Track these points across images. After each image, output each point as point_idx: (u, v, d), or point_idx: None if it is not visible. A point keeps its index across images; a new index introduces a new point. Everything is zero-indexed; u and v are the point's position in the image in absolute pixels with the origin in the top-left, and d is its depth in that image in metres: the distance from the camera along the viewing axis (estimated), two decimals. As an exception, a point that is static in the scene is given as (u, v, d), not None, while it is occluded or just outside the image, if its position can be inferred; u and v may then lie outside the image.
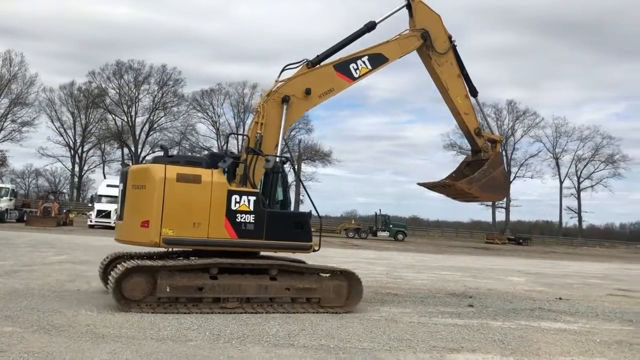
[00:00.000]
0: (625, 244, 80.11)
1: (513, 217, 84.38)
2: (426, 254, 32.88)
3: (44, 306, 8.73)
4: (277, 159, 9.93)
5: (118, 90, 76.01)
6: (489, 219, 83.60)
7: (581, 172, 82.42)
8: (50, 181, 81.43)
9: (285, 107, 10.13)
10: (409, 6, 11.67)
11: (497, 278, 18.90)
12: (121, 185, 9.69)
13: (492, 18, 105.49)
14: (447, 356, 7.09)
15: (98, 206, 39.27)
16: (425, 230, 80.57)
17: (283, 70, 10.60)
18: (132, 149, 76.10)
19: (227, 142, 10.49)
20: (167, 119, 77.80)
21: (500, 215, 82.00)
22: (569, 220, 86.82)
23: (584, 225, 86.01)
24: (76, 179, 79.59)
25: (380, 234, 54.33)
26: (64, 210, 43.56)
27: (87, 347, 6.43)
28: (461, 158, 67.00)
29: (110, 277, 8.75)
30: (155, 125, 77.25)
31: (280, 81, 10.41)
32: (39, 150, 74.26)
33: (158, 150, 77.20)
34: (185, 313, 8.59)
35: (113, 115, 76.69)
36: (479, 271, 21.64)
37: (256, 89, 78.56)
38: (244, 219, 9.21)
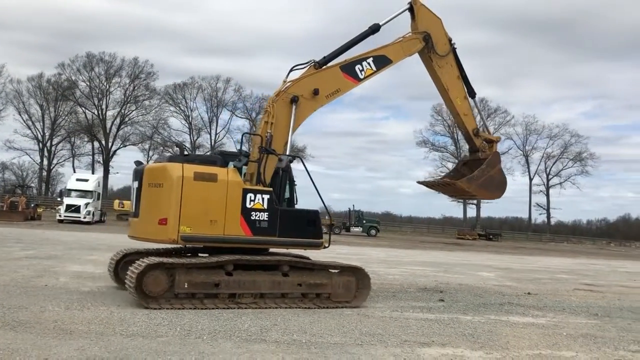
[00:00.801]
0: (592, 240, 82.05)
1: (484, 214, 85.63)
2: (398, 249, 33.13)
3: (10, 302, 8.53)
4: (289, 158, 10.18)
5: (88, 83, 74.46)
6: (460, 215, 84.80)
7: (550, 170, 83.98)
8: (18, 175, 79.42)
9: (294, 107, 10.34)
10: (411, 9, 11.95)
11: (468, 273, 19.16)
12: (135, 183, 9.80)
13: (464, 17, 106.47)
14: (418, 350, 7.15)
15: (67, 200, 38.54)
16: (398, 226, 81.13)
17: (291, 70, 10.85)
18: (103, 142, 74.79)
19: (241, 142, 10.64)
20: (139, 112, 76.57)
21: (471, 212, 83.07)
22: (538, 217, 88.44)
23: (553, 221, 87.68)
24: (45, 173, 77.95)
25: (354, 229, 54.53)
26: (32, 205, 42.58)
27: (54, 344, 6.30)
28: (433, 155, 67.00)
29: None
30: (127, 119, 75.94)
31: (289, 81, 10.62)
32: (5, 143, 72.21)
33: (129, 144, 76.27)
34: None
35: (83, 108, 75.17)
36: (450, 266, 21.90)
37: (229, 83, 78.17)
38: (259, 216, 9.47)
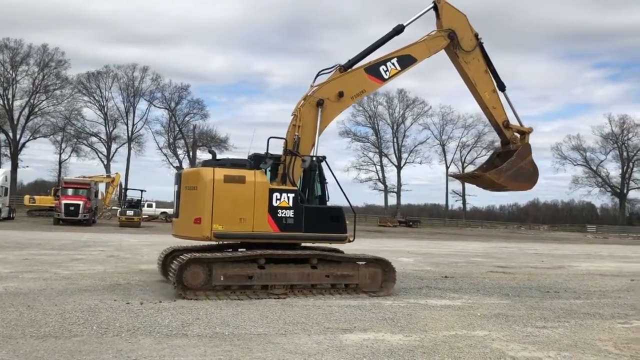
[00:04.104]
0: (504, 224, 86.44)
1: (404, 201, 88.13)
2: (322, 239, 33.48)
3: None
4: (314, 159, 10.68)
5: (-8, 71, 69.70)
6: (382, 203, 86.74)
7: (465, 158, 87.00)
8: None
9: (320, 109, 10.82)
10: (435, 8, 12.02)
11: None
12: (176, 187, 10.69)
13: (384, 9, 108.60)
14: (340, 336, 7.27)
15: (-30, 197, 36.06)
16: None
17: (318, 75, 11.22)
18: (10, 134, 70.31)
19: (267, 145, 10.87)
20: (50, 102, 72.35)
21: (392, 200, 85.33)
22: (455, 203, 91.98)
23: (468, 207, 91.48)
24: (-56, 168, 72.34)
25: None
26: None
27: (-45, 350, 5.89)
28: (355, 145, 67.72)
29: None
30: (36, 110, 71.58)
31: (315, 86, 10.98)
32: None
33: (40, 136, 72.17)
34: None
35: (-14, 98, 70.32)
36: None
37: (147, 72, 75.69)
38: (285, 214, 10.17)
